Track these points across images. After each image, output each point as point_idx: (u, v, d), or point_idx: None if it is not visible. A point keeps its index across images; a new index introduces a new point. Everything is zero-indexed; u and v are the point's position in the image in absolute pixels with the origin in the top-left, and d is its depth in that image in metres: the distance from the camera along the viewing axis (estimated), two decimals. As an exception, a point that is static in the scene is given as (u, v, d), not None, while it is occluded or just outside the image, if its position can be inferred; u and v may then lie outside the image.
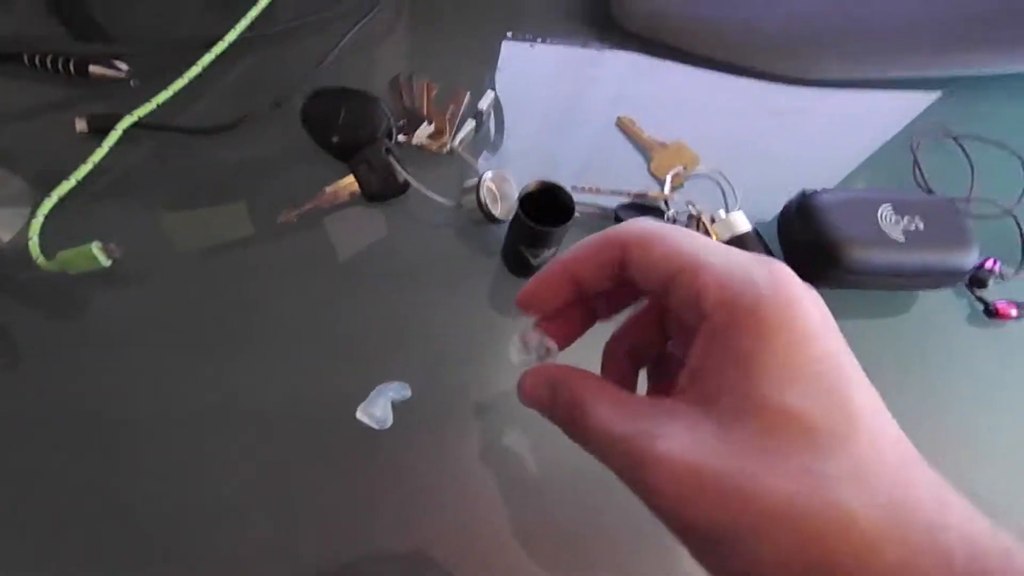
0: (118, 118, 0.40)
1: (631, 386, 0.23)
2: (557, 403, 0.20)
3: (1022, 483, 0.41)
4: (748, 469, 0.15)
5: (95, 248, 0.35)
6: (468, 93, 0.49)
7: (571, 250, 0.21)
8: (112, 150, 0.40)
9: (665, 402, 0.18)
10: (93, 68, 0.42)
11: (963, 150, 0.54)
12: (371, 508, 0.35)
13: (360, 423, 0.36)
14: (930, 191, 0.50)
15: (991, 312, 0.45)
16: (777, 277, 0.17)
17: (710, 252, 0.18)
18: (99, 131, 0.40)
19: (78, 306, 0.37)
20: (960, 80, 0.57)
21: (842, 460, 0.15)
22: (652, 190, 0.47)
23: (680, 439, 0.16)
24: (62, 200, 0.38)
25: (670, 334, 0.23)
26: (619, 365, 0.23)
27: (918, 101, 0.58)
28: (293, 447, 0.35)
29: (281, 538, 0.33)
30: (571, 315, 0.22)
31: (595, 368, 0.22)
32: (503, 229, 0.42)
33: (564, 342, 0.23)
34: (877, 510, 0.15)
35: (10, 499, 0.32)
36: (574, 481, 0.36)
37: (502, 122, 0.50)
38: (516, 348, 0.22)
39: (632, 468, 0.17)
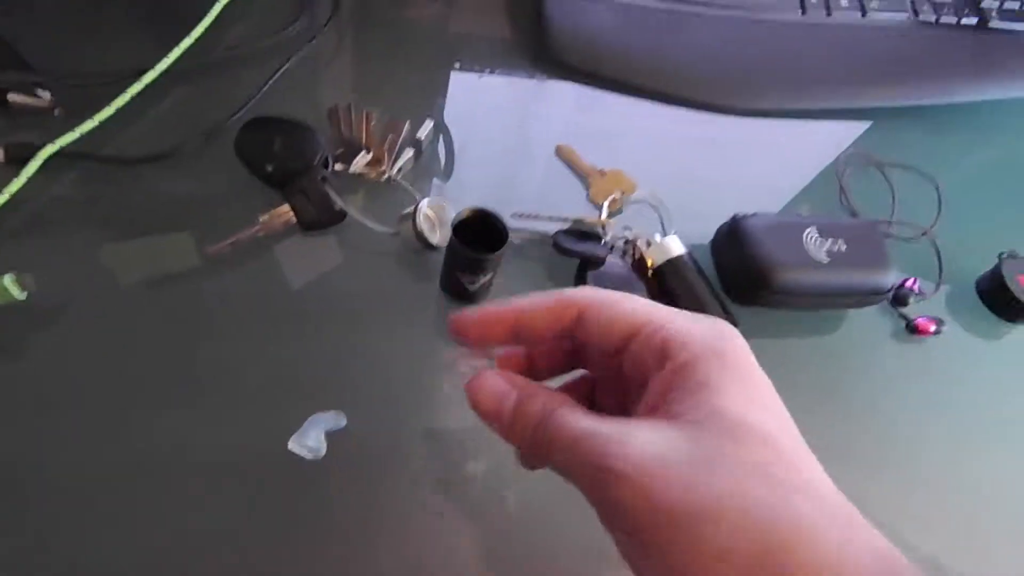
0: (38, 148, 0.39)
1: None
2: (524, 413, 0.20)
3: (941, 492, 0.42)
4: (712, 465, 0.17)
5: (8, 280, 0.33)
6: (408, 122, 0.49)
7: (521, 299, 0.22)
8: (32, 181, 0.39)
9: (629, 419, 0.19)
10: (12, 97, 0.41)
11: (885, 177, 0.57)
12: (307, 550, 0.33)
13: (294, 457, 0.35)
14: (854, 215, 0.53)
15: (912, 328, 0.47)
16: (729, 331, 0.21)
17: (668, 311, 0.21)
18: (17, 161, 0.39)
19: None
20: (885, 111, 0.60)
21: (792, 472, 0.17)
22: (590, 216, 0.48)
23: (650, 436, 0.18)
24: (-25, 233, 0.37)
25: (601, 403, 0.24)
26: None
27: (847, 131, 0.61)
28: (219, 492, 0.34)
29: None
30: (509, 360, 0.24)
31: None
32: (436, 259, 0.42)
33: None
34: (818, 512, 0.17)
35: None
36: (521, 507, 0.36)
37: (449, 151, 0.50)
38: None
39: (599, 460, 0.18)
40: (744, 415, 0.18)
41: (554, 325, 0.22)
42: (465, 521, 0.35)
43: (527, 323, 0.22)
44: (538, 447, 0.20)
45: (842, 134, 0.60)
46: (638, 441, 0.18)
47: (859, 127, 0.61)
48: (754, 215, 0.46)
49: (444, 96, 0.53)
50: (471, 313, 0.23)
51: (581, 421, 0.19)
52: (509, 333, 0.22)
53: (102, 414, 0.35)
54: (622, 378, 0.22)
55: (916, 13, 0.61)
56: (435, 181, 0.49)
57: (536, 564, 0.35)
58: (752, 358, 0.20)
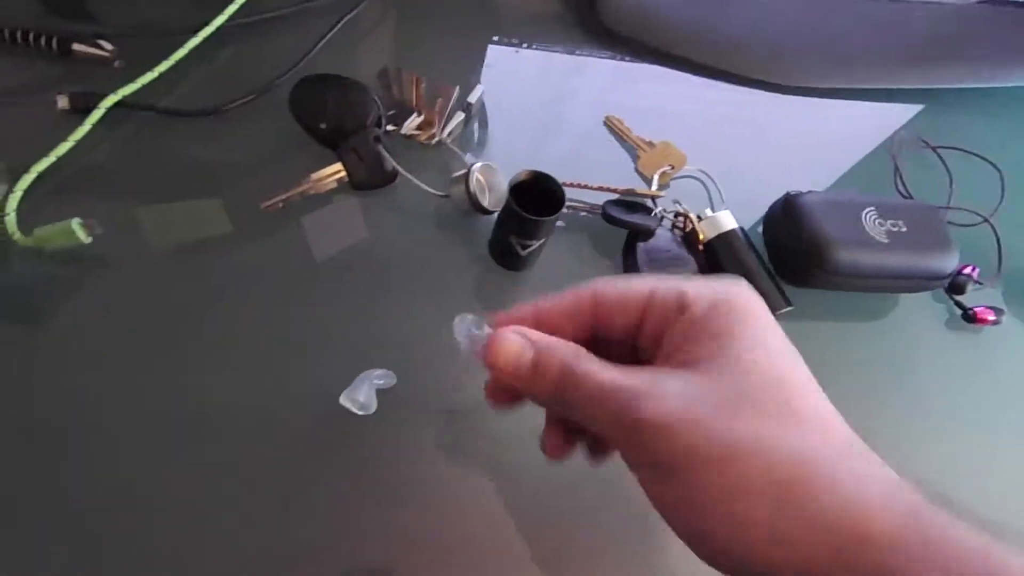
0: (101, 97, 0.39)
1: (568, 455, 0.25)
2: (544, 368, 0.21)
3: (992, 485, 0.41)
4: (736, 408, 0.18)
5: (75, 224, 0.34)
6: (457, 87, 0.49)
7: (540, 299, 0.23)
8: (93, 130, 0.39)
9: (647, 367, 0.20)
10: (77, 47, 0.42)
11: (942, 160, 0.55)
12: (354, 498, 0.34)
13: (344, 411, 0.35)
14: (909, 198, 0.51)
15: (969, 317, 0.46)
16: (745, 289, 0.21)
17: (679, 279, 0.22)
18: (81, 110, 0.39)
19: (48, 293, 0.36)
20: (938, 93, 0.58)
21: (810, 413, 0.18)
22: (639, 187, 0.47)
23: (676, 386, 0.19)
24: (40, 178, 0.37)
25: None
26: (558, 434, 0.25)
27: (899, 112, 0.59)
28: (273, 441, 0.34)
29: (262, 530, 0.32)
30: None
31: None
32: (488, 221, 0.42)
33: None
34: (835, 451, 0.18)
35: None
36: (560, 475, 0.36)
37: (489, 118, 0.50)
38: (463, 329, 0.23)
39: (633, 413, 0.19)
40: (760, 360, 0.19)
41: (574, 317, 0.22)
42: (505, 480, 0.36)
43: (547, 320, 0.23)
44: (561, 399, 0.21)
45: (894, 115, 0.59)
46: (667, 392, 0.19)
47: (912, 108, 0.59)
48: (809, 192, 0.45)
49: (491, 64, 0.52)
50: (504, 315, 0.23)
51: (604, 372, 0.20)
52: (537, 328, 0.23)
53: (151, 364, 0.35)
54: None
55: (980, -10, 0.59)
56: (481, 147, 0.48)
57: (573, 524, 0.35)
58: (764, 307, 0.21)
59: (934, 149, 0.55)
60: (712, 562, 0.19)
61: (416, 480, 0.35)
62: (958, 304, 0.47)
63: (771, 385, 0.19)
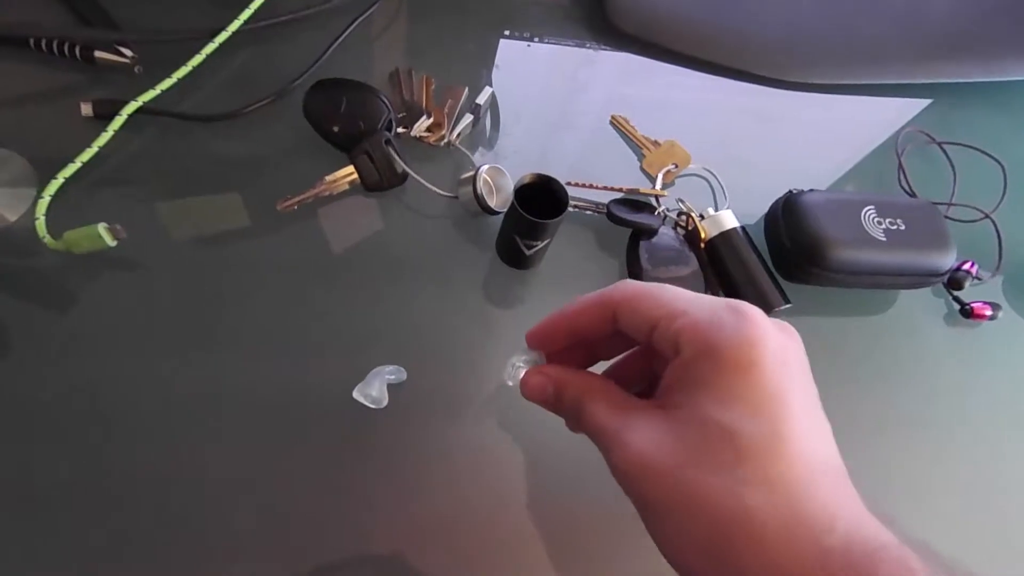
0: (123, 103, 0.41)
1: None
2: (562, 399, 0.25)
3: (990, 479, 0.42)
4: (684, 464, 0.20)
5: (101, 229, 0.36)
6: (466, 88, 0.50)
7: (571, 305, 0.25)
8: (116, 135, 0.41)
9: (644, 403, 0.23)
10: (99, 54, 0.43)
11: (946, 156, 0.55)
12: (366, 489, 0.36)
13: (356, 405, 0.37)
14: (913, 195, 0.52)
15: (967, 312, 0.47)
16: (742, 322, 0.21)
17: (687, 302, 0.22)
18: (104, 116, 0.41)
19: (75, 290, 0.38)
20: (946, 87, 0.58)
21: (757, 471, 0.19)
22: (643, 187, 0.48)
23: (642, 434, 0.21)
24: (65, 181, 0.39)
25: (657, 369, 0.27)
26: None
27: (905, 108, 0.59)
28: (288, 433, 0.36)
29: (276, 520, 0.34)
30: (574, 355, 0.27)
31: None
32: (497, 221, 0.43)
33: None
34: (774, 511, 0.19)
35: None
36: (568, 467, 0.37)
37: (498, 119, 0.51)
38: (511, 371, 0.27)
39: (607, 451, 0.22)
40: (721, 418, 0.20)
41: (601, 326, 0.25)
42: (515, 469, 0.37)
43: (577, 325, 0.25)
44: (577, 427, 0.25)
45: (900, 111, 0.59)
46: (632, 440, 0.21)
47: (918, 104, 0.59)
48: (810, 191, 0.46)
49: (499, 64, 0.53)
50: (539, 326, 0.26)
51: (598, 415, 0.23)
52: (568, 335, 0.26)
53: (173, 356, 0.37)
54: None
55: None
56: (489, 148, 0.49)
57: (586, 515, 0.37)
58: (762, 345, 0.21)
59: (939, 145, 0.56)
60: None
61: (426, 472, 0.37)
62: (956, 300, 0.48)
63: (725, 443, 0.20)
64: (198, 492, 0.34)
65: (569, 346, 0.26)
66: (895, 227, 0.43)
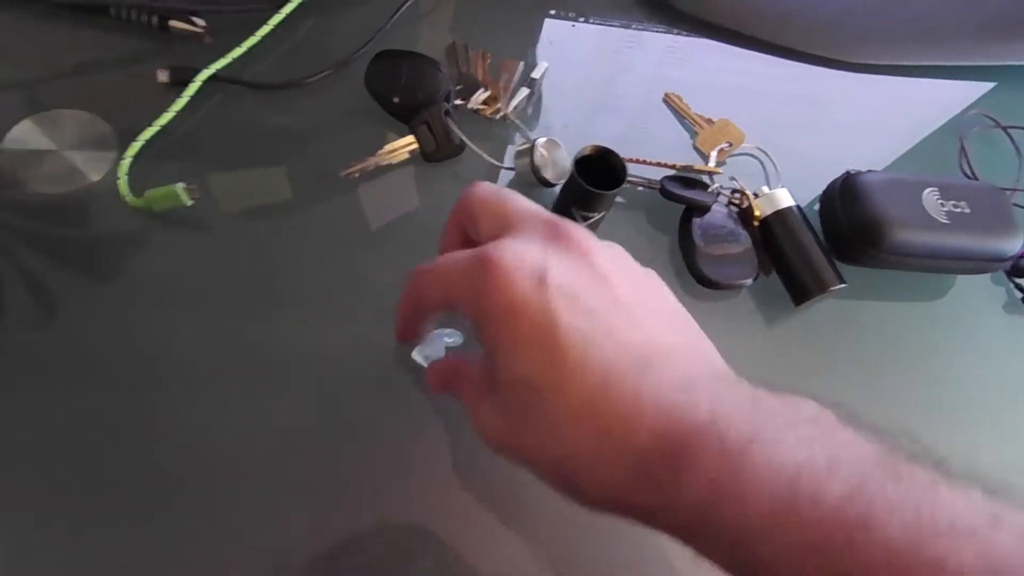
0: (196, 71, 0.43)
1: None
2: (448, 390, 0.28)
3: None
4: (508, 435, 0.23)
5: (179, 188, 0.37)
6: (521, 63, 0.50)
7: (409, 292, 0.28)
8: (189, 101, 0.43)
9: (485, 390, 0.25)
10: (173, 23, 0.45)
11: (1012, 140, 0.54)
12: (425, 441, 0.37)
13: (411, 368, 0.38)
14: (974, 179, 0.51)
15: (1029, 300, 0.46)
16: (485, 265, 0.22)
17: (450, 282, 0.24)
18: (178, 83, 0.43)
19: (143, 245, 0.40)
20: (1011, 70, 0.56)
21: (560, 407, 0.20)
22: (697, 164, 0.48)
23: (485, 416, 0.24)
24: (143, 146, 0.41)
25: None
26: None
27: (967, 91, 0.57)
28: (347, 389, 0.38)
29: (332, 471, 0.36)
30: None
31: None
32: (550, 194, 0.44)
33: None
34: (588, 441, 0.20)
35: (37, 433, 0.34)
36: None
37: (549, 94, 0.51)
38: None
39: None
40: (514, 370, 0.21)
41: (442, 305, 0.27)
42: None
43: (424, 307, 0.28)
44: None
45: (961, 93, 0.57)
46: (480, 423, 0.24)
47: (981, 87, 0.58)
48: (869, 171, 0.45)
49: (550, 39, 0.54)
50: (398, 323, 0.30)
51: (464, 402, 0.26)
52: (420, 318, 0.29)
53: (225, 320, 0.39)
54: None
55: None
56: (543, 122, 0.50)
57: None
58: (510, 284, 0.21)
59: (1004, 129, 0.54)
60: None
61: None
62: (1019, 287, 0.46)
63: (533, 391, 0.21)
64: (250, 440, 0.35)
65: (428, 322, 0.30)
66: (959, 209, 0.42)
